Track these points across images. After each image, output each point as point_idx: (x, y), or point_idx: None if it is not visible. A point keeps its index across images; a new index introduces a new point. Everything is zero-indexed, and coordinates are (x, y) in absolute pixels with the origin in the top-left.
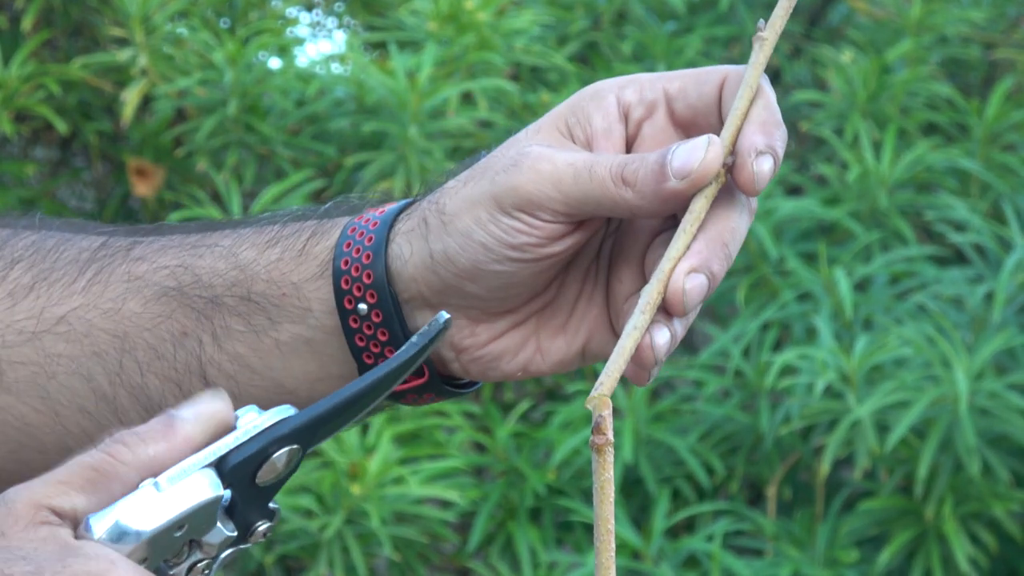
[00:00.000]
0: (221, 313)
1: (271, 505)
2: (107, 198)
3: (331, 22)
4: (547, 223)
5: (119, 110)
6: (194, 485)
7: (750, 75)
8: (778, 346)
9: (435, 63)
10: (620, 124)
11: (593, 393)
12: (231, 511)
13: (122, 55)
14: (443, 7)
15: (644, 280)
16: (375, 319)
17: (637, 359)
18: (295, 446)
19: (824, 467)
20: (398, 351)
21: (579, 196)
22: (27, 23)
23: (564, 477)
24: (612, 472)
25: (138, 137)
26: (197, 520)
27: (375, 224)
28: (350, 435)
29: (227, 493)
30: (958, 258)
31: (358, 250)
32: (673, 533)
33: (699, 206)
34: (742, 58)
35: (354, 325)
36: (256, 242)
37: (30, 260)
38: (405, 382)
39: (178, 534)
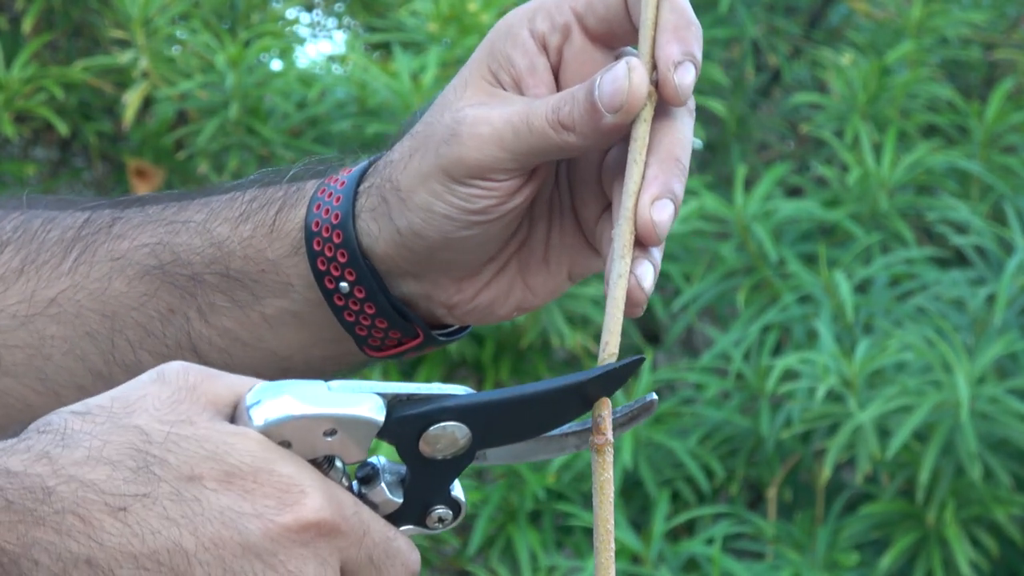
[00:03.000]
0: (204, 290)
1: (455, 494)
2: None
3: (331, 22)
4: (502, 182)
5: (120, 112)
6: (360, 400)
7: None
8: (779, 349)
9: (438, 64)
10: (541, 56)
11: (602, 353)
12: (403, 482)
13: (123, 57)
14: (444, 8)
15: (606, 198)
16: (359, 295)
17: (629, 300)
18: (462, 425)
19: (825, 472)
20: (592, 369)
21: (525, 150)
22: (28, 25)
23: (564, 480)
24: (611, 472)
25: (138, 139)
26: (349, 432)
27: (339, 199)
28: None
29: (384, 460)
30: (959, 260)
31: (327, 228)
32: (673, 536)
33: (641, 131)
34: (742, 59)
35: (339, 303)
36: (228, 216)
37: (18, 243)
38: (400, 344)
39: (328, 438)
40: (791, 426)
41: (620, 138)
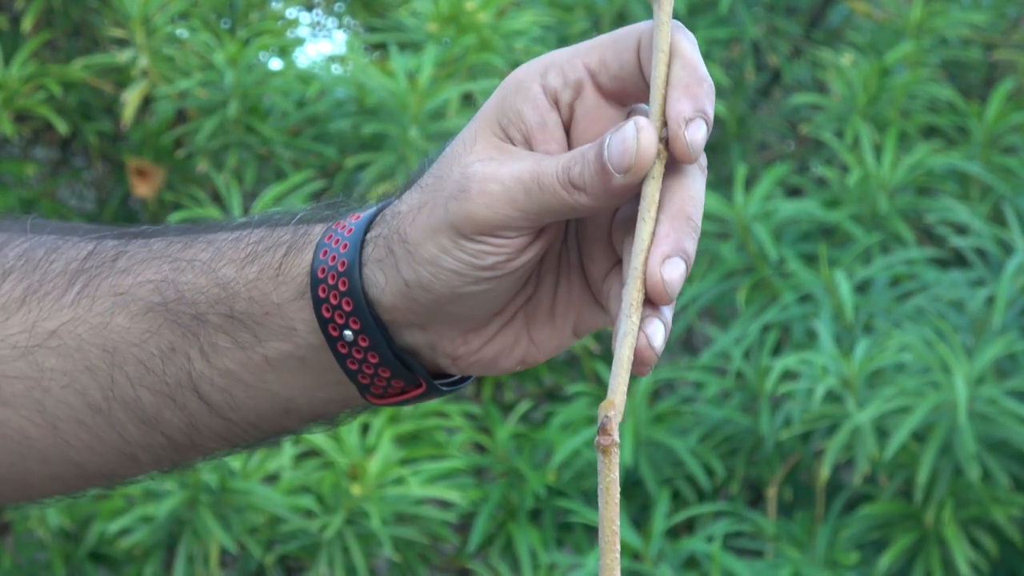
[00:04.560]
0: (206, 330)
1: None
2: (107, 198)
3: (331, 23)
4: (512, 239)
5: (119, 111)
6: None
7: (658, 38)
8: (779, 348)
9: (435, 64)
10: (552, 112)
11: (603, 414)
12: None
13: (122, 56)
14: (443, 8)
15: (615, 255)
16: (363, 344)
17: (638, 359)
18: None
19: (824, 472)
20: None
21: (536, 209)
22: (27, 24)
23: (564, 478)
24: (617, 473)
25: (138, 138)
26: None
27: (346, 246)
28: (350, 436)
29: None
30: (959, 261)
31: (333, 276)
32: (673, 534)
33: (650, 190)
34: (742, 59)
35: (343, 351)
36: (234, 258)
37: (21, 271)
38: (404, 392)
39: None
40: (791, 426)
41: (631, 196)
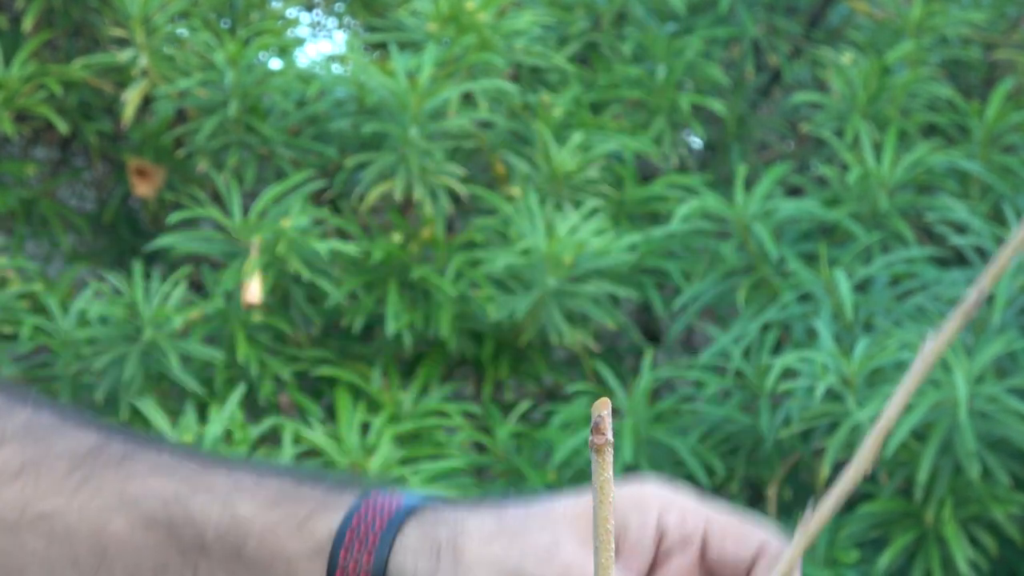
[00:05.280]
0: (207, 561)
1: None
2: (107, 198)
3: (331, 22)
4: None
5: (119, 110)
6: None
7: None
8: (779, 347)
9: (435, 64)
10: (652, 545)
11: None
12: None
13: (123, 56)
14: (443, 8)
15: None
16: None
17: None
18: None
19: (824, 470)
20: None
21: None
22: (28, 23)
23: (564, 477)
24: (611, 472)
25: (138, 137)
26: None
27: (381, 524)
28: (351, 435)
29: None
30: (959, 260)
31: (359, 545)
32: None
33: None
34: (742, 59)
35: None
36: (255, 496)
37: (21, 443)
38: None
39: None
40: (790, 424)
41: None
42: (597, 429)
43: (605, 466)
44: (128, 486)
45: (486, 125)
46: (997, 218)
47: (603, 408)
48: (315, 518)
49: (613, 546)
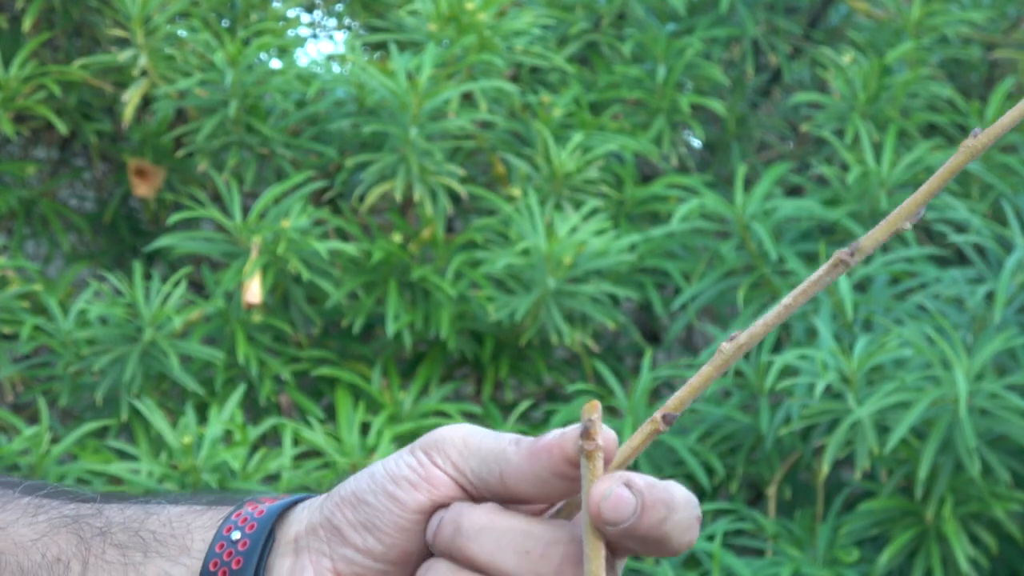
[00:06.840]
0: (103, 542)
1: None
2: (107, 198)
3: (331, 22)
4: None
5: (119, 110)
6: None
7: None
8: (778, 346)
9: (435, 64)
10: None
11: None
12: None
13: (122, 56)
14: (443, 8)
15: None
16: (241, 548)
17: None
18: None
19: (824, 468)
20: None
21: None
22: (27, 24)
23: None
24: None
25: (138, 137)
26: None
27: (262, 512)
28: (351, 435)
29: None
30: (959, 258)
31: (248, 520)
32: None
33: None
34: (742, 59)
35: (218, 550)
36: (174, 500)
37: None
38: None
39: None
40: (790, 423)
41: None
42: (587, 434)
43: (595, 471)
44: (51, 500)
45: (486, 125)
46: (997, 217)
47: (592, 412)
48: (219, 502)
49: (603, 553)
